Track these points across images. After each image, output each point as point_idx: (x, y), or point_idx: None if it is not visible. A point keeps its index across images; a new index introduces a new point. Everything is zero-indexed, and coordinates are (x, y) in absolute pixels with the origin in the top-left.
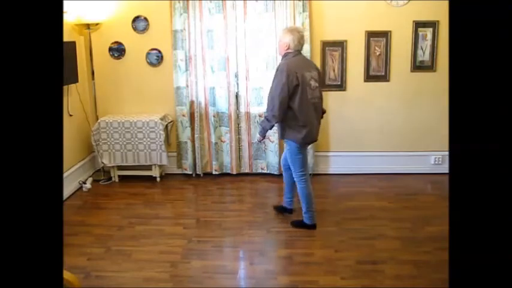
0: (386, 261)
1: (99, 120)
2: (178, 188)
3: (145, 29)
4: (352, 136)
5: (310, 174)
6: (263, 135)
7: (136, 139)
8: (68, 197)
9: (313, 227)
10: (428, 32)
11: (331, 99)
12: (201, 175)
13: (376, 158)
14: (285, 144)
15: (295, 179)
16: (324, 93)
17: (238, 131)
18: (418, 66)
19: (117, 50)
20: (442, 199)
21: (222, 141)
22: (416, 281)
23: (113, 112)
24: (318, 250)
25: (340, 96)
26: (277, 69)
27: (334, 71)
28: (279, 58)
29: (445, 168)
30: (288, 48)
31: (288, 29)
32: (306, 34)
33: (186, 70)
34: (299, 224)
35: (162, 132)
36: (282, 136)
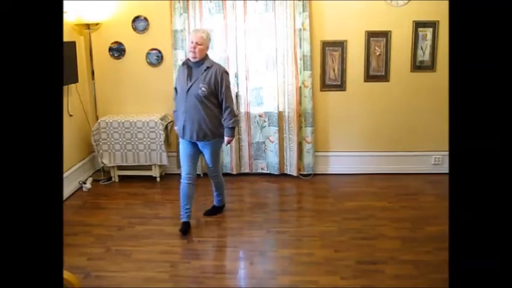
0: (386, 261)
1: (99, 120)
2: (178, 188)
3: (145, 29)
4: (352, 136)
5: (311, 174)
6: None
7: (136, 139)
8: (68, 197)
9: (223, 206)
10: (428, 32)
11: (331, 99)
12: (201, 175)
13: (376, 158)
14: (211, 145)
15: (217, 176)
16: (324, 93)
17: (238, 131)
18: (418, 66)
19: (117, 50)
20: (442, 199)
21: None
22: (416, 281)
23: (113, 112)
24: (318, 250)
25: (340, 96)
26: (220, 72)
27: (334, 71)
28: (279, 58)
29: (445, 168)
30: (206, 51)
31: (207, 32)
32: (306, 34)
33: None
34: (214, 211)
35: (162, 132)
36: (220, 135)
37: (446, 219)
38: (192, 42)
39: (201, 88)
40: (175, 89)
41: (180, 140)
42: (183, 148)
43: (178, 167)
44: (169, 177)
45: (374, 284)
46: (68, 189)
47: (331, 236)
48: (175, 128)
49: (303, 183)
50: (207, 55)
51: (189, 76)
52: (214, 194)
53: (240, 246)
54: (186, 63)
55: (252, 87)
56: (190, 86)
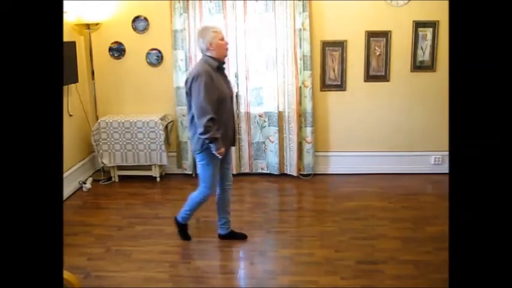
0: (386, 261)
1: (99, 120)
2: (178, 188)
3: (145, 29)
4: (352, 136)
5: (311, 174)
6: None
7: (136, 139)
8: (68, 197)
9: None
10: (428, 32)
11: (331, 99)
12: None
13: (376, 158)
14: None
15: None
16: (324, 93)
17: (238, 131)
18: (418, 66)
19: (117, 50)
20: (442, 199)
21: None
22: (417, 281)
23: (113, 112)
24: (318, 250)
25: (340, 96)
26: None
27: (334, 71)
28: (279, 58)
29: (445, 168)
30: None
31: None
32: (306, 34)
33: (186, 70)
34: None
35: (162, 132)
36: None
37: (446, 219)
38: (223, 40)
39: (231, 88)
40: (219, 99)
41: (218, 154)
42: (219, 161)
43: (179, 166)
44: (169, 177)
45: (374, 284)
46: (68, 189)
47: (331, 236)
48: (218, 151)
49: (303, 183)
50: None
51: (225, 80)
52: (225, 217)
53: (240, 246)
54: (218, 66)
55: (252, 87)
56: (230, 90)
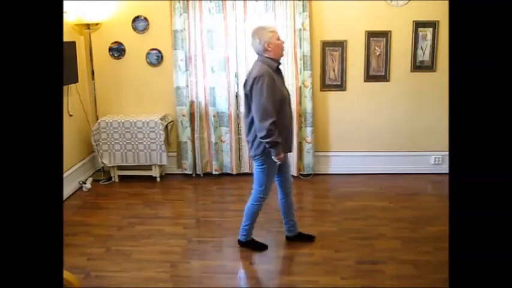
0: (386, 261)
1: (99, 120)
2: (178, 188)
3: (145, 29)
4: (352, 136)
5: (311, 174)
6: None
7: (136, 139)
8: (68, 197)
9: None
10: (428, 32)
11: (331, 99)
12: (201, 175)
13: (376, 158)
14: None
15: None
16: (324, 93)
17: (238, 131)
18: (418, 66)
19: (117, 50)
20: (442, 199)
21: (222, 141)
22: (416, 281)
23: (113, 112)
24: (318, 250)
25: (340, 96)
26: None
27: (334, 71)
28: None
29: (445, 168)
30: None
31: None
32: (306, 34)
33: (186, 70)
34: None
35: (162, 132)
36: None
37: (446, 219)
38: (280, 39)
39: (288, 90)
40: (280, 101)
41: (277, 160)
42: (277, 165)
43: (179, 166)
44: (169, 177)
45: (374, 284)
46: (68, 189)
47: (331, 236)
48: (277, 156)
49: (303, 183)
50: None
51: (283, 80)
52: (291, 220)
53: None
54: (276, 67)
55: None
56: (288, 91)
